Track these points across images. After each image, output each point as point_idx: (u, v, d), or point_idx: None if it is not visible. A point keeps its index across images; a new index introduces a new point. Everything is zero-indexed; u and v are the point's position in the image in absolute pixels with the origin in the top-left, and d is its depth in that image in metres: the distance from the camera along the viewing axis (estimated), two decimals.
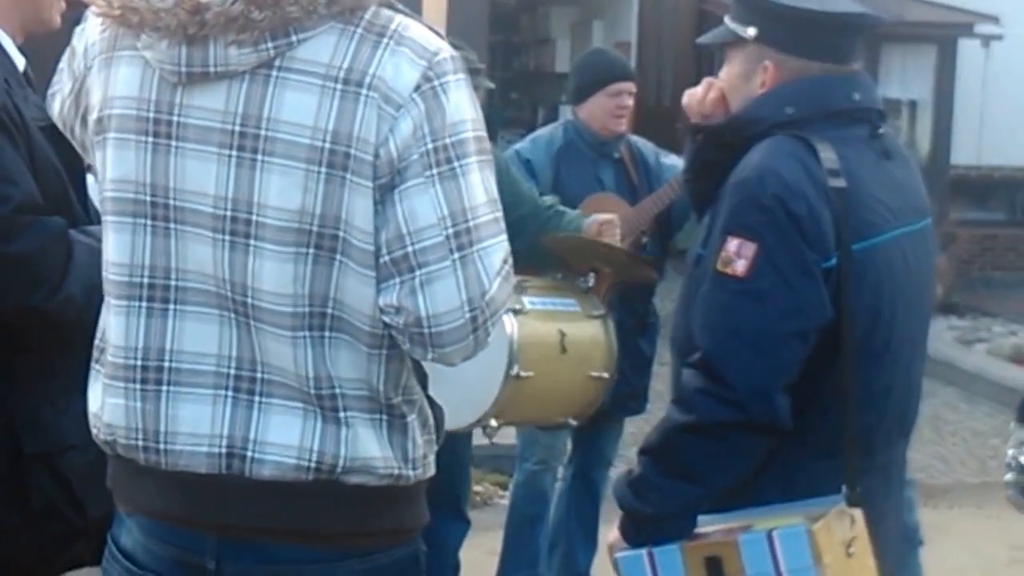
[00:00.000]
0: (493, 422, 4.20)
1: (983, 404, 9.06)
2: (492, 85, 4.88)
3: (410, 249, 2.02)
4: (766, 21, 2.67)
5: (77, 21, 2.25)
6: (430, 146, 2.02)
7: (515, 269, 4.29)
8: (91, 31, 2.18)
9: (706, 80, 2.83)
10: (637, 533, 2.58)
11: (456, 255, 2.03)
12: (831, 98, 2.63)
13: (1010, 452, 4.38)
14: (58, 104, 2.30)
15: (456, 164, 2.04)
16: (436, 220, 2.02)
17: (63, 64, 2.28)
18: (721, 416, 2.48)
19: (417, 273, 2.02)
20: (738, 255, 2.49)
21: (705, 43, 2.89)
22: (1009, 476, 4.41)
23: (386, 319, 2.06)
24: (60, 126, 2.32)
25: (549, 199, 4.89)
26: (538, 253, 4.42)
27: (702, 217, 2.75)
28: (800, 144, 2.56)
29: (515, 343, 4.04)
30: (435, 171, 2.02)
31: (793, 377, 2.51)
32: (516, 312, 4.12)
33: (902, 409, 2.72)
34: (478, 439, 4.61)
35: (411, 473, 2.16)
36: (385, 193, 2.02)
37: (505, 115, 16.33)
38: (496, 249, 2.07)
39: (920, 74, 14.43)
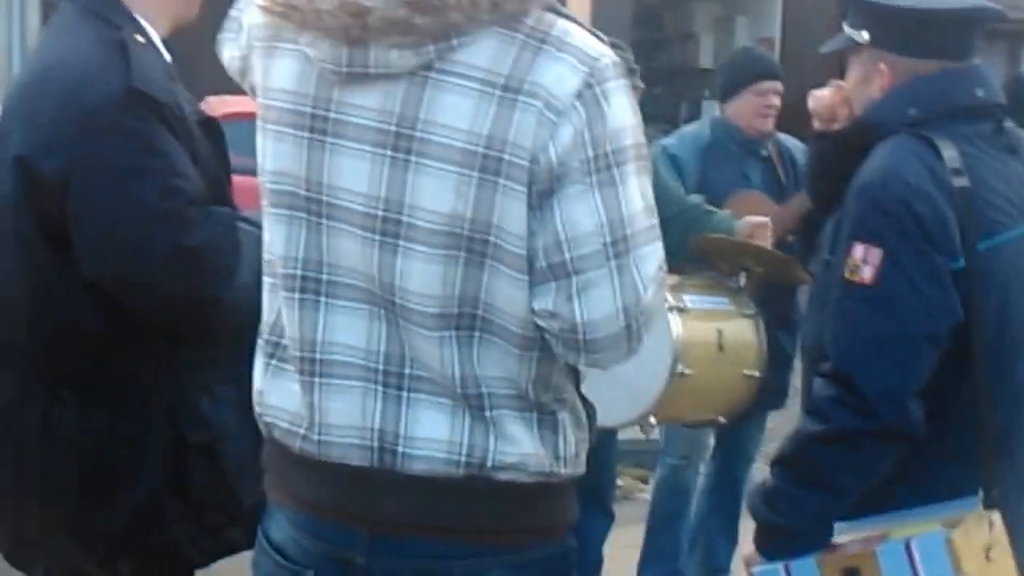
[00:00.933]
0: (652, 419, 4.21)
1: None
2: (643, 86, 4.86)
3: (567, 256, 2.01)
4: (877, 24, 2.65)
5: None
6: (591, 153, 2.00)
7: (679, 272, 4.29)
8: (253, 13, 2.18)
9: (833, 83, 2.84)
10: (773, 546, 2.55)
11: (613, 263, 2.02)
12: (954, 95, 2.59)
13: None
14: (227, 55, 2.33)
15: (615, 171, 2.01)
16: (594, 228, 2.00)
17: (233, 14, 2.32)
18: (854, 425, 2.46)
19: (574, 279, 2.02)
20: (864, 261, 2.47)
21: (826, 51, 2.86)
22: None
23: (540, 323, 2.05)
24: (228, 69, 2.34)
25: (695, 198, 4.86)
26: (684, 252, 4.39)
27: (826, 219, 2.72)
28: (922, 144, 2.52)
29: (680, 341, 4.06)
30: (594, 178, 2.00)
31: (924, 382, 2.46)
32: (680, 311, 4.13)
33: None
34: (623, 433, 4.58)
35: (562, 471, 2.14)
36: (544, 200, 2.00)
37: (648, 110, 16.25)
38: (652, 256, 2.06)
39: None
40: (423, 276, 2.04)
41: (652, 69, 17.46)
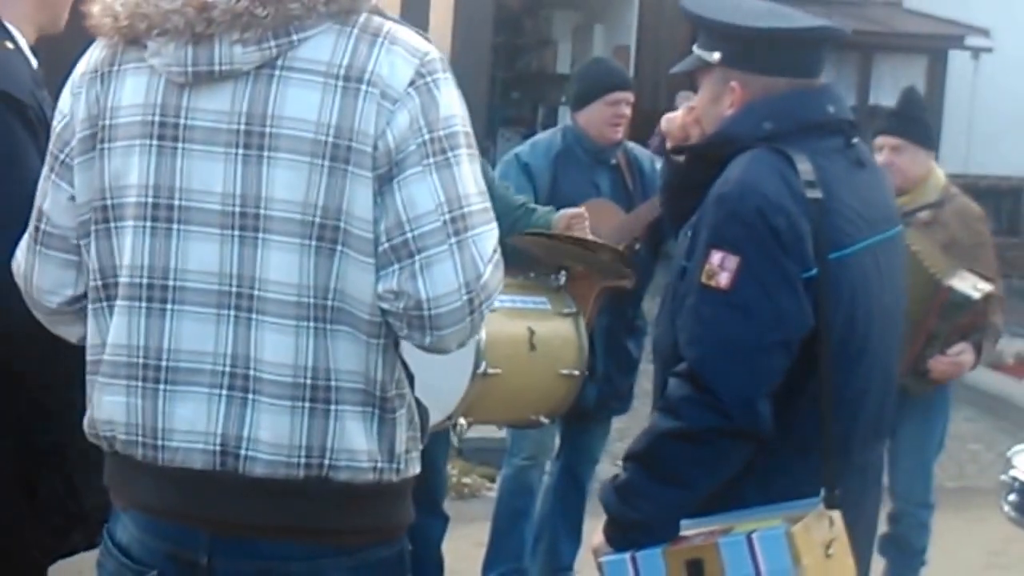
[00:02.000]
0: (463, 421, 4.11)
1: (963, 409, 8.99)
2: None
3: (410, 235, 2.05)
4: (727, 44, 2.68)
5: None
6: (426, 137, 2.07)
7: None
8: (74, 77, 2.22)
9: (685, 104, 2.86)
10: (622, 538, 2.57)
11: (453, 239, 2.07)
12: (807, 111, 2.63)
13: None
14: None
15: (450, 154, 2.09)
16: (434, 206, 2.06)
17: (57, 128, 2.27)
18: (706, 422, 2.49)
19: (417, 258, 2.05)
20: (722, 268, 2.49)
21: (677, 72, 2.87)
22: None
23: (384, 305, 2.08)
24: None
25: (521, 198, 4.86)
26: (509, 252, 4.36)
27: (679, 233, 2.75)
28: (778, 157, 2.56)
29: (482, 340, 3.93)
30: (432, 160, 2.07)
31: (775, 385, 2.50)
32: None
33: (878, 412, 2.71)
34: (473, 432, 4.43)
35: (396, 470, 2.17)
36: (384, 184, 2.06)
37: (506, 114, 16.29)
38: (488, 236, 2.12)
39: (911, 84, 14.39)
40: (281, 265, 2.06)
41: (512, 74, 17.56)
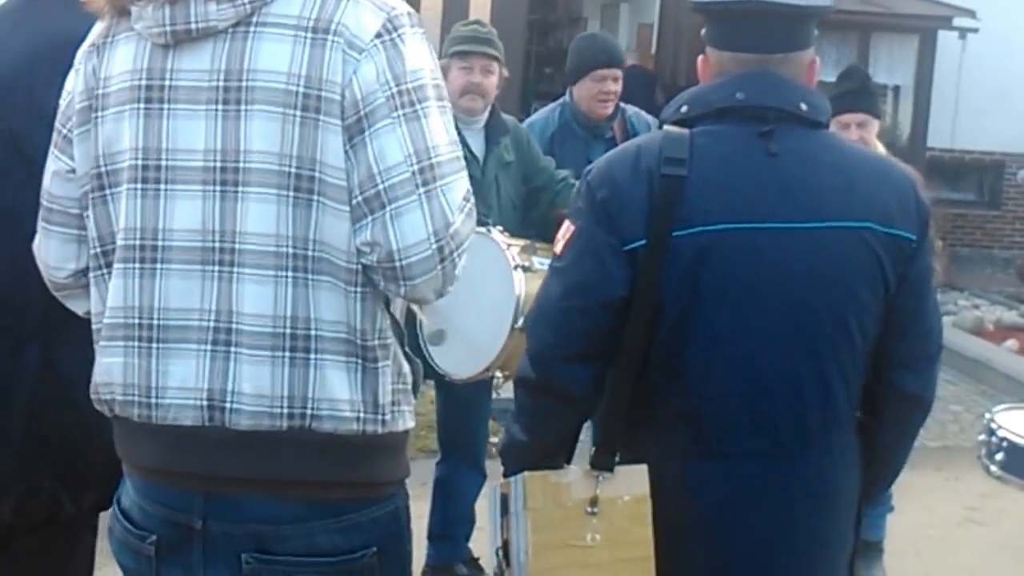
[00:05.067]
0: (499, 374, 4.17)
1: (945, 372, 9.07)
2: (496, 54, 4.88)
3: (381, 187, 2.02)
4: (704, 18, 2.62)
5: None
6: (394, 90, 2.03)
7: (531, 237, 4.27)
8: (87, 50, 2.19)
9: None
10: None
11: (422, 190, 2.03)
12: (716, 97, 2.51)
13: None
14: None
15: (419, 106, 2.05)
16: (403, 158, 2.02)
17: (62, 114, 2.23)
18: (520, 372, 2.53)
19: (388, 208, 2.02)
20: (563, 236, 2.51)
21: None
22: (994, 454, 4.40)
23: (363, 260, 2.05)
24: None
25: (563, 173, 4.89)
26: (552, 223, 4.44)
27: None
28: (662, 135, 2.50)
29: (522, 298, 3.99)
30: (400, 112, 2.03)
31: (585, 349, 2.45)
32: (525, 269, 4.11)
33: (752, 407, 2.45)
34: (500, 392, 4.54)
35: (379, 419, 2.11)
36: (355, 136, 2.03)
37: (539, 87, 16.20)
38: (457, 185, 2.08)
39: (904, 62, 14.40)
40: (260, 216, 2.03)
41: (544, 49, 17.52)
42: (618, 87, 5.18)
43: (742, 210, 2.43)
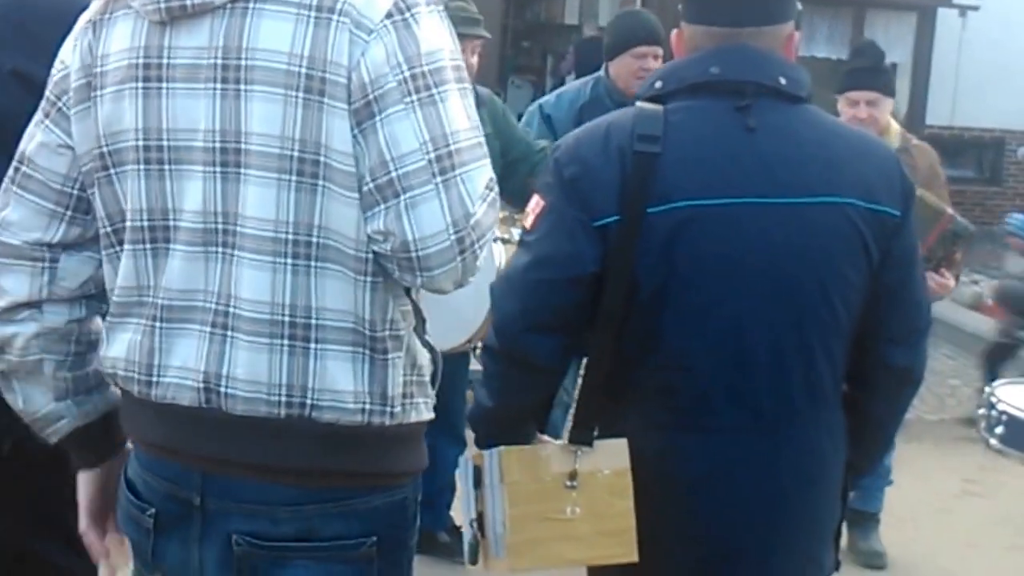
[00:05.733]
0: (480, 345, 4.13)
1: (944, 347, 9.05)
2: (489, 36, 4.81)
3: (394, 175, 1.92)
4: None
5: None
6: (407, 73, 1.93)
7: (510, 209, 4.22)
8: (81, 28, 2.12)
9: None
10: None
11: (439, 178, 1.92)
12: (690, 72, 2.47)
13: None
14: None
15: (435, 91, 1.94)
16: (418, 145, 1.92)
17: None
18: (488, 341, 2.50)
19: (402, 197, 1.92)
20: (532, 210, 2.47)
21: None
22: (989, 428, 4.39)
23: (375, 248, 1.96)
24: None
25: (542, 143, 4.85)
26: (526, 195, 4.37)
27: None
28: (635, 111, 2.45)
29: (502, 269, 3.88)
30: (414, 98, 1.92)
31: (551, 321, 2.41)
32: (504, 241, 4.07)
33: (732, 380, 2.42)
34: (475, 363, 4.56)
35: (387, 412, 2.03)
36: (364, 121, 1.93)
37: (517, 62, 16.20)
38: (479, 173, 1.97)
39: (901, 39, 14.34)
40: (259, 200, 1.95)
41: (522, 23, 17.46)
42: (659, 64, 5.11)
43: (719, 186, 2.39)
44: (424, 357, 2.12)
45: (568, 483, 2.42)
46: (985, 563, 5.45)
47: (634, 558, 2.40)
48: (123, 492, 2.18)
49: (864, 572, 5.23)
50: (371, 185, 1.93)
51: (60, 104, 2.12)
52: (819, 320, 2.44)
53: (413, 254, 1.93)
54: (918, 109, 14.05)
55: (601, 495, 2.42)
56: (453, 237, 1.93)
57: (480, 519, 2.46)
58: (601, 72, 5.33)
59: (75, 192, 2.13)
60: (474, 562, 2.50)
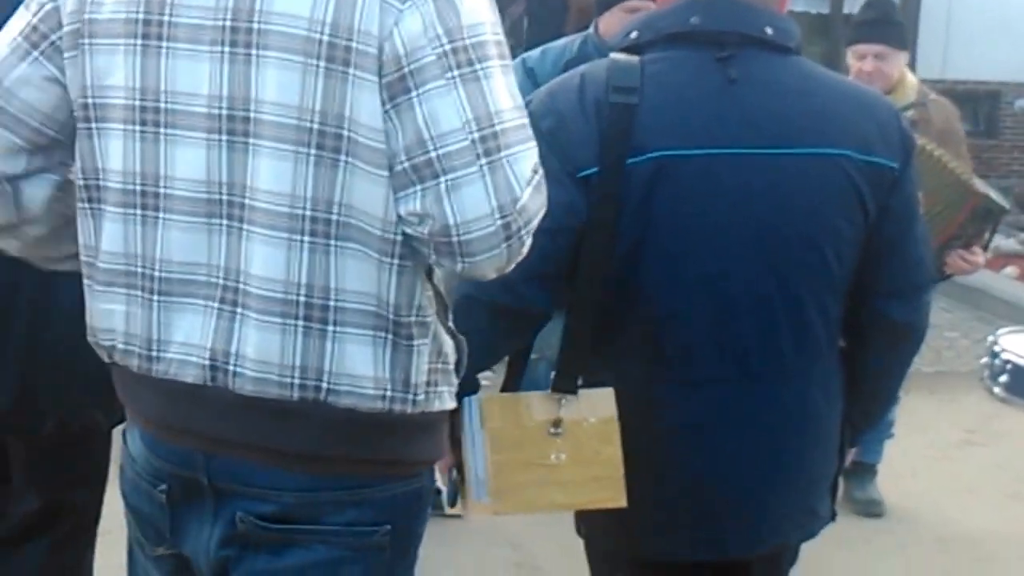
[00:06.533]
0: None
1: (940, 300, 9.04)
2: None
3: (434, 154, 1.80)
4: None
5: None
6: (447, 47, 1.80)
7: None
8: None
9: None
10: None
11: (483, 160, 1.81)
12: (668, 22, 2.45)
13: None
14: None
15: (478, 67, 1.82)
16: (460, 124, 1.80)
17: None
18: (469, 293, 2.37)
19: (443, 179, 1.81)
20: None
21: None
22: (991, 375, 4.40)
23: (408, 229, 1.85)
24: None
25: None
26: None
27: None
28: (609, 63, 2.44)
29: None
30: (456, 72, 1.80)
31: (547, 269, 2.36)
32: None
33: (716, 329, 2.42)
34: None
35: (410, 399, 1.95)
36: (398, 95, 1.81)
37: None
38: (526, 155, 1.86)
39: None
40: (272, 173, 1.84)
41: None
42: None
43: (699, 136, 2.37)
44: (449, 345, 2.03)
45: (552, 430, 2.41)
46: (986, 509, 5.48)
47: (623, 503, 2.41)
48: (129, 464, 2.12)
49: (862, 520, 5.24)
50: (406, 164, 1.82)
51: (54, 38, 1.98)
52: (806, 272, 2.42)
53: (454, 239, 1.83)
54: (908, 62, 13.98)
55: (587, 443, 2.41)
56: (499, 222, 1.83)
57: (459, 468, 2.44)
58: (591, 29, 5.25)
59: (52, 133, 2.01)
60: (453, 504, 2.50)
